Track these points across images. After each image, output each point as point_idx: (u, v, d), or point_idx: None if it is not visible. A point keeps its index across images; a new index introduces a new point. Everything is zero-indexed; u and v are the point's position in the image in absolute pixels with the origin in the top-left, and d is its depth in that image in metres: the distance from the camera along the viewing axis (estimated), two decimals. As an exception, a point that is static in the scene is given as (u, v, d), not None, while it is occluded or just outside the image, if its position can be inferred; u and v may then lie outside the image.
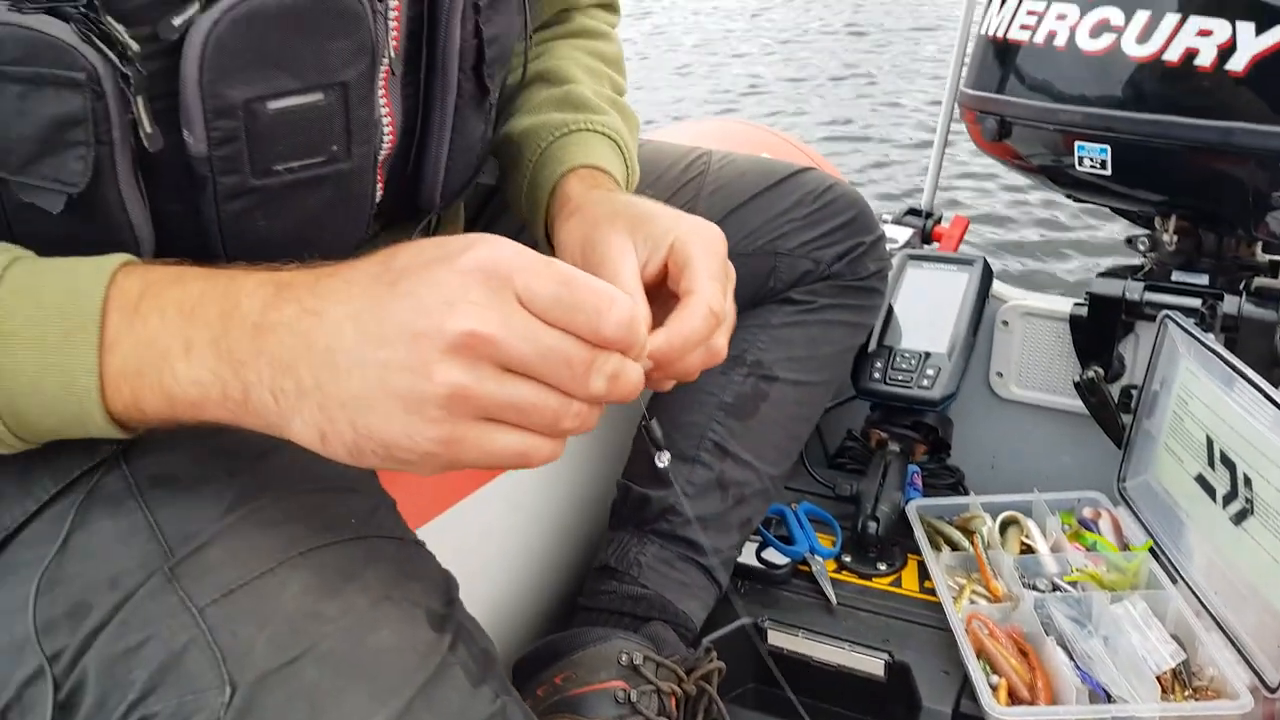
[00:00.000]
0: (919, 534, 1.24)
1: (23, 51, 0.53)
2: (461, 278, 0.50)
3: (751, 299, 1.12)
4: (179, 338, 0.53)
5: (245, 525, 0.59)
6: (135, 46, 0.55)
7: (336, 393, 0.51)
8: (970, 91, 1.45)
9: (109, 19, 0.55)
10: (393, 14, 0.70)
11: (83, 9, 0.54)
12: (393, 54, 0.71)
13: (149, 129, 0.57)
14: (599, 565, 1.09)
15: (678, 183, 1.14)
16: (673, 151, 1.19)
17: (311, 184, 0.66)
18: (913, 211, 1.75)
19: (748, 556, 1.20)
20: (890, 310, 1.41)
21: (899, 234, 1.67)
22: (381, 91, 0.71)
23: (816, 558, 1.23)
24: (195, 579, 0.57)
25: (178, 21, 0.57)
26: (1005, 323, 1.47)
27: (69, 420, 0.55)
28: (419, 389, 0.49)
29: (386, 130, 0.73)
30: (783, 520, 1.29)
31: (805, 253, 1.12)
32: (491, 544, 1.09)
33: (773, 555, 1.22)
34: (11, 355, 0.52)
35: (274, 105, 0.61)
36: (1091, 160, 1.28)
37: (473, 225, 1.04)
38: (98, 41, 0.54)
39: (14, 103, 0.55)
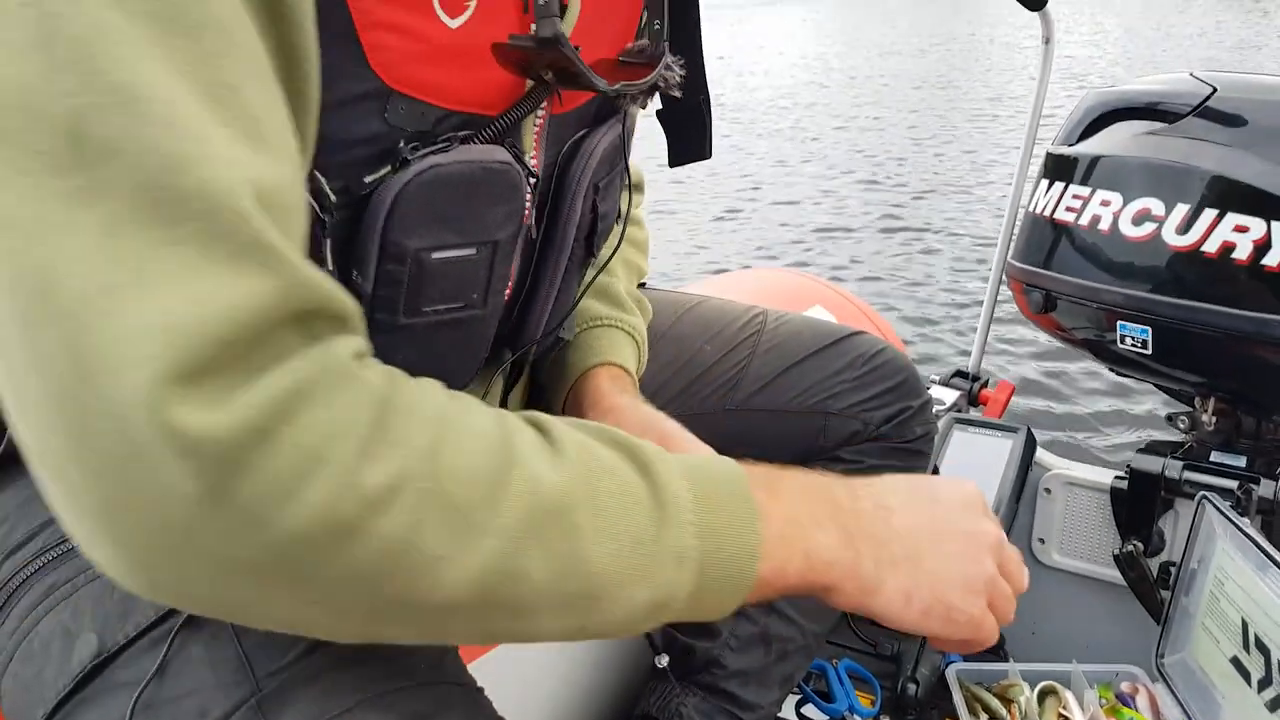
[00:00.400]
0: (958, 699, 1.25)
1: None
2: (971, 502, 0.73)
3: (801, 456, 1.16)
4: (808, 513, 0.66)
5: (327, 663, 0.64)
6: (333, 197, 0.64)
7: (922, 567, 0.68)
8: (1018, 264, 1.51)
9: (315, 172, 0.63)
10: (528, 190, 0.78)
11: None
12: (531, 220, 0.79)
13: (330, 268, 0.65)
14: (640, 713, 1.11)
15: (735, 339, 1.20)
16: (731, 310, 1.25)
17: (449, 325, 0.74)
18: (960, 374, 1.80)
19: (787, 711, 1.22)
20: (936, 472, 1.45)
21: (946, 396, 1.72)
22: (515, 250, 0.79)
23: (855, 717, 1.24)
24: (279, 713, 0.61)
25: (368, 179, 0.65)
26: (1048, 490, 1.50)
27: (724, 586, 0.61)
28: (976, 572, 0.69)
29: (509, 280, 0.81)
30: (823, 675, 1.31)
31: (855, 413, 1.17)
32: (535, 685, 1.12)
33: (812, 712, 1.24)
34: (710, 514, 0.61)
35: (437, 255, 0.69)
36: (1133, 339, 1.33)
37: (535, 374, 1.11)
38: (307, 192, 0.61)
39: None
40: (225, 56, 0.47)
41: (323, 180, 0.63)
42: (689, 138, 1.01)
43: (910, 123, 8.90)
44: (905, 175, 6.67)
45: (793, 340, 1.20)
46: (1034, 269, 1.47)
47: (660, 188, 6.79)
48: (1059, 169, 1.47)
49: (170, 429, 0.42)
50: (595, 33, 0.76)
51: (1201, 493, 1.22)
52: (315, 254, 0.64)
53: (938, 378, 1.81)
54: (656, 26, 0.84)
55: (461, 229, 0.70)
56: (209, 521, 0.44)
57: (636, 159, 1.13)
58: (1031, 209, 1.52)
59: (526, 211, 0.76)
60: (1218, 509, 1.18)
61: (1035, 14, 1.55)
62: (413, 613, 0.52)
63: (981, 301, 1.88)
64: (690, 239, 5.92)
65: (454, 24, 0.65)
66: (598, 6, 0.76)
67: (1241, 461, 1.33)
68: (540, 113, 0.76)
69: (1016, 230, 1.58)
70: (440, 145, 0.67)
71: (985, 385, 1.80)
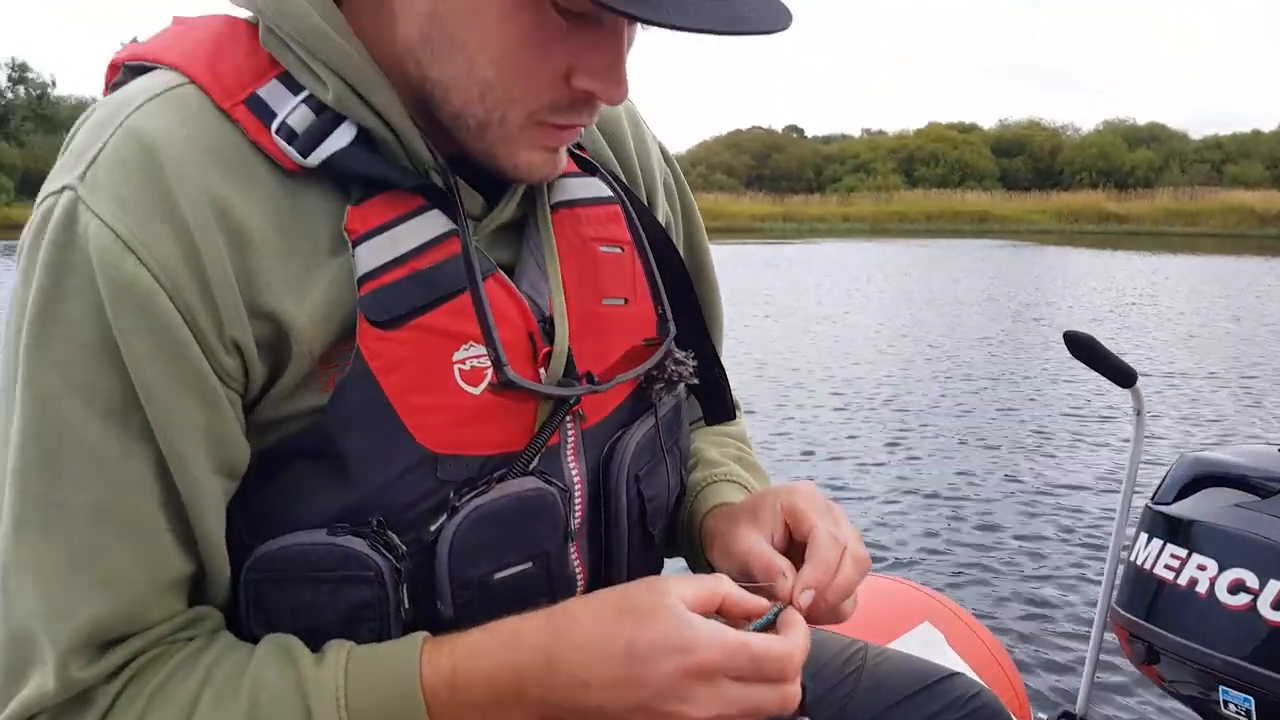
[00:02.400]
0: None
1: (336, 562, 0.78)
2: (689, 681, 0.72)
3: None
4: (494, 699, 0.76)
5: None
6: (404, 549, 0.79)
7: None
8: (1122, 611, 1.56)
9: (389, 533, 0.79)
10: (577, 496, 0.92)
11: (373, 529, 0.79)
12: (576, 524, 0.92)
13: (406, 605, 0.80)
14: None
15: (837, 676, 1.27)
16: (834, 643, 1.33)
17: None
18: (1067, 715, 1.81)
19: None
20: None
21: (1053, 738, 1.73)
22: (574, 552, 0.92)
23: None
24: None
25: (433, 528, 0.81)
26: None
27: None
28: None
29: (579, 578, 0.93)
30: None
31: (950, 755, 1.21)
32: None
33: None
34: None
35: (498, 575, 0.84)
36: (1236, 706, 1.35)
37: None
38: (383, 549, 0.79)
39: (328, 597, 0.79)
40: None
41: (393, 536, 0.79)
42: (715, 406, 1.15)
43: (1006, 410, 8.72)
44: (1016, 479, 6.60)
45: (892, 678, 1.26)
46: (1137, 620, 1.52)
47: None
48: (1158, 526, 1.54)
49: None
50: (593, 338, 0.91)
51: None
52: (394, 597, 0.79)
53: (1045, 717, 1.81)
54: (661, 313, 0.98)
55: (513, 550, 0.84)
56: None
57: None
58: (1133, 559, 1.58)
59: (570, 519, 0.89)
60: None
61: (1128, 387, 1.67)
62: None
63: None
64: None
65: (477, 391, 0.82)
66: (585, 317, 0.90)
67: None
68: (570, 434, 0.90)
69: (1120, 577, 1.63)
70: (480, 488, 0.82)
71: (1092, 729, 1.80)
